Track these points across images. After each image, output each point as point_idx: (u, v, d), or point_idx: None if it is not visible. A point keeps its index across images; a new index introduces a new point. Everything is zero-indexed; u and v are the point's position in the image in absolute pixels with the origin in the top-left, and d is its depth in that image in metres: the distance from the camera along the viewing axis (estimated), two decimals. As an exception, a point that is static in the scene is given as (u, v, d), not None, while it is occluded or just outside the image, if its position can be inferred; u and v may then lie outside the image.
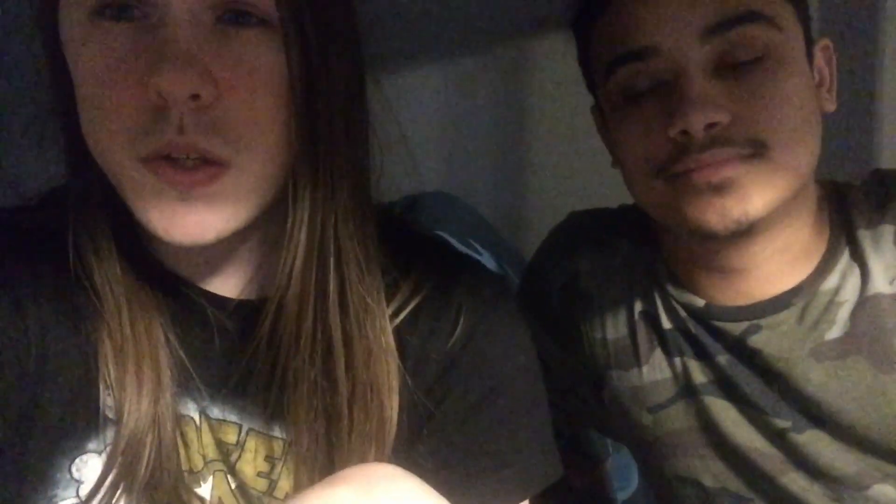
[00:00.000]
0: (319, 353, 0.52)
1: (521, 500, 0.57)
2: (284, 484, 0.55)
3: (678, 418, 0.71)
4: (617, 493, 0.99)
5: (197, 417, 0.55)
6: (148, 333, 0.53)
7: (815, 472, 0.65)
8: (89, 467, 0.52)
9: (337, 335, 0.52)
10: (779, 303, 0.65)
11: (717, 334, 0.68)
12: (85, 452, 0.52)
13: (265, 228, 0.54)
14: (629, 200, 0.85)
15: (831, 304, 0.64)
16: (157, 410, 0.52)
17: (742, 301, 0.67)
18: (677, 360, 0.70)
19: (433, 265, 0.59)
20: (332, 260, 0.51)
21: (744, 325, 0.66)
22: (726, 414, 0.68)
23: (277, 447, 0.55)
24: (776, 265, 0.65)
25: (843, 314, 0.63)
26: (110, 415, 0.52)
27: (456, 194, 1.10)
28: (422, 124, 1.23)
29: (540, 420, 0.60)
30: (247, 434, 0.55)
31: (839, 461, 0.64)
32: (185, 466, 0.54)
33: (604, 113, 0.70)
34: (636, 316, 0.73)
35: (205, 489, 0.55)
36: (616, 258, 0.76)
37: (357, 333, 0.53)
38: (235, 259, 0.55)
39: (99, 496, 0.51)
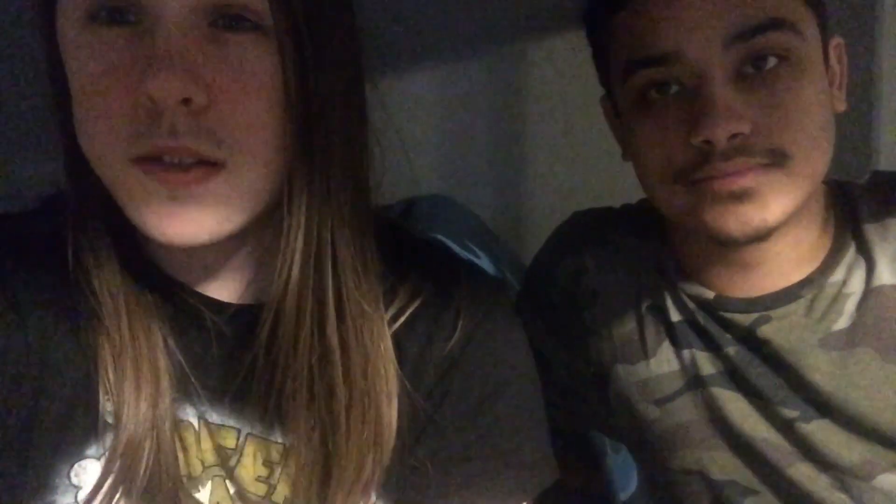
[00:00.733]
0: (317, 358, 0.52)
1: (519, 503, 0.58)
2: (283, 489, 0.55)
3: (686, 410, 0.72)
4: (616, 494, 0.99)
5: (196, 422, 0.55)
6: (147, 338, 0.53)
7: (821, 462, 0.66)
8: (88, 473, 0.52)
9: (334, 341, 0.52)
10: (788, 295, 0.67)
11: (727, 325, 0.69)
12: (84, 458, 0.52)
13: (262, 233, 0.54)
14: (628, 201, 0.85)
15: (838, 296, 0.65)
16: (156, 415, 0.52)
17: (751, 293, 0.68)
18: (686, 352, 0.71)
19: (431, 270, 0.59)
20: (329, 265, 0.51)
21: (753, 315, 0.67)
22: (734, 405, 0.69)
23: (276, 452, 0.55)
24: (786, 260, 0.67)
25: (850, 306, 0.65)
26: (110, 420, 0.53)
27: (453, 197, 1.10)
28: (418, 128, 1.23)
29: (537, 423, 0.60)
30: (245, 439, 0.56)
31: (846, 451, 0.65)
32: (183, 471, 0.54)
33: (616, 105, 0.70)
34: (643, 309, 0.74)
35: (203, 494, 0.55)
36: (622, 254, 0.77)
37: (354, 340, 0.53)
38: (233, 264, 0.55)
39: (97, 501, 0.51)
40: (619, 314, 0.76)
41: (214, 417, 0.55)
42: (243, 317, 0.55)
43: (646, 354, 0.73)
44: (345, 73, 0.51)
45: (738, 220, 0.60)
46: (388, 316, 0.56)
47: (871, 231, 0.66)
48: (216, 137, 0.46)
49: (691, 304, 0.71)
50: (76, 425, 0.52)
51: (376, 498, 0.56)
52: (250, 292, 0.56)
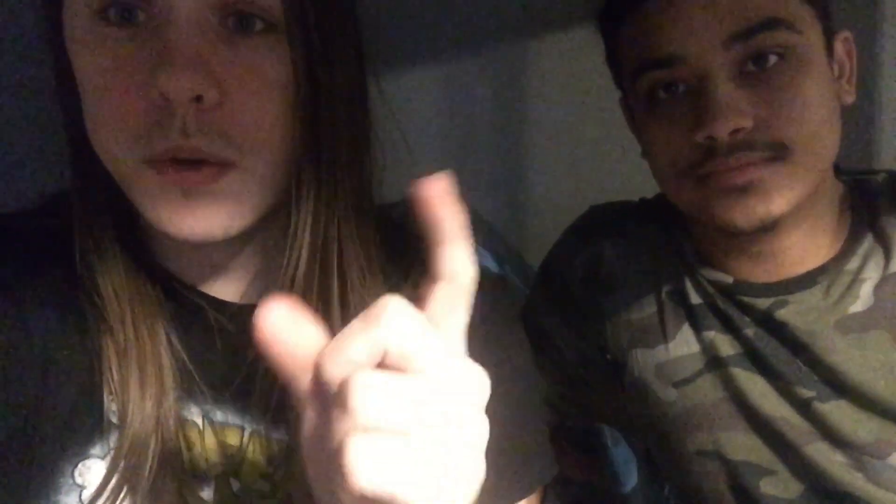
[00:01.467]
0: None
1: (517, 502, 0.58)
2: (286, 486, 0.55)
3: (705, 391, 0.74)
4: (617, 488, 0.99)
5: (200, 421, 0.55)
6: (151, 337, 0.53)
7: (837, 440, 0.68)
8: (92, 472, 0.52)
9: None
10: (805, 280, 0.69)
11: (745, 308, 0.72)
12: (88, 457, 0.52)
13: (267, 232, 0.54)
14: (630, 198, 0.86)
15: (855, 281, 0.68)
16: (161, 414, 0.52)
17: (770, 279, 0.71)
18: (705, 335, 0.74)
19: None
20: (335, 262, 0.51)
21: (771, 299, 0.70)
22: (753, 385, 0.71)
23: (279, 449, 0.55)
24: (802, 248, 0.69)
25: (867, 290, 0.67)
26: (114, 419, 0.52)
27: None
28: (422, 125, 1.23)
29: (535, 421, 0.60)
30: (249, 437, 0.56)
31: (861, 430, 0.67)
32: (188, 470, 0.54)
33: (630, 106, 0.74)
34: (663, 294, 0.76)
35: (207, 492, 0.55)
36: (641, 242, 0.80)
37: None
38: (238, 263, 0.55)
39: (101, 500, 0.51)
40: (639, 299, 0.78)
41: (218, 416, 0.55)
42: (247, 315, 0.55)
43: (665, 338, 0.76)
44: (350, 71, 0.51)
45: (744, 211, 0.63)
46: None
47: (890, 223, 0.68)
48: (227, 137, 0.46)
49: (711, 289, 0.74)
50: (80, 424, 0.52)
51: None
52: (254, 291, 0.56)
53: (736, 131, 0.62)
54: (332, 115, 0.49)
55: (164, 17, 0.45)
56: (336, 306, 0.52)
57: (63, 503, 0.51)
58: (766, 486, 0.72)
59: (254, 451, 0.55)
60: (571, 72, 1.21)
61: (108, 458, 0.52)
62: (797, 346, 0.69)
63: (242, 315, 0.55)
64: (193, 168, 0.46)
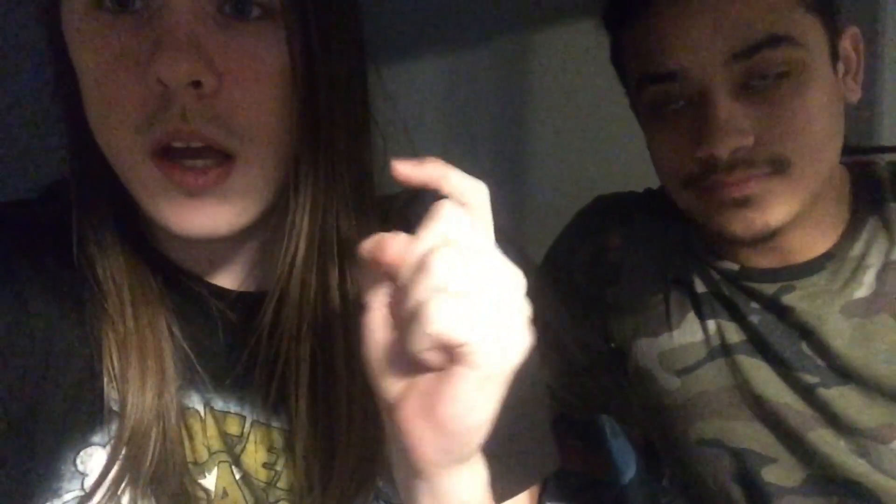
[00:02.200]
0: (319, 344, 0.52)
1: (520, 492, 0.58)
2: (287, 474, 0.56)
3: (708, 379, 0.74)
4: (615, 480, 1.00)
5: (201, 409, 0.55)
6: (151, 326, 0.53)
7: (841, 426, 0.68)
8: (94, 460, 0.52)
9: (337, 326, 0.52)
10: (811, 266, 0.70)
11: (752, 294, 0.72)
12: (90, 445, 0.52)
13: (267, 220, 0.54)
14: (635, 190, 0.86)
15: (859, 267, 0.68)
16: (162, 403, 0.52)
17: (776, 265, 0.71)
18: (710, 322, 0.74)
19: None
20: (334, 250, 0.51)
21: (778, 284, 0.71)
22: (758, 371, 0.71)
23: (280, 438, 0.56)
24: (807, 238, 0.70)
25: (870, 276, 0.68)
26: (115, 407, 0.53)
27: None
28: (423, 116, 1.23)
29: (538, 412, 0.60)
30: (251, 425, 0.56)
31: (865, 415, 0.67)
32: (189, 458, 0.54)
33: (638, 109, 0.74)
34: (669, 283, 0.77)
35: (209, 480, 0.55)
36: (647, 232, 0.80)
37: (358, 325, 0.53)
38: (239, 252, 0.55)
39: (103, 488, 0.51)
40: (644, 288, 0.79)
41: (219, 404, 0.55)
42: (247, 303, 0.55)
43: (670, 326, 0.76)
44: (349, 60, 0.51)
45: (743, 223, 0.65)
46: None
47: (893, 211, 0.69)
48: (227, 125, 0.46)
49: (717, 276, 0.74)
50: (81, 413, 0.52)
51: (381, 484, 0.56)
52: (255, 279, 0.56)
53: (736, 149, 0.62)
54: (330, 103, 0.49)
55: (160, 5, 0.44)
56: (335, 293, 0.52)
57: (65, 490, 0.52)
58: (769, 475, 0.72)
59: (255, 440, 0.56)
60: (576, 62, 1.20)
61: (110, 447, 0.52)
62: (804, 331, 0.69)
63: (243, 303, 0.55)
64: (198, 157, 0.46)
